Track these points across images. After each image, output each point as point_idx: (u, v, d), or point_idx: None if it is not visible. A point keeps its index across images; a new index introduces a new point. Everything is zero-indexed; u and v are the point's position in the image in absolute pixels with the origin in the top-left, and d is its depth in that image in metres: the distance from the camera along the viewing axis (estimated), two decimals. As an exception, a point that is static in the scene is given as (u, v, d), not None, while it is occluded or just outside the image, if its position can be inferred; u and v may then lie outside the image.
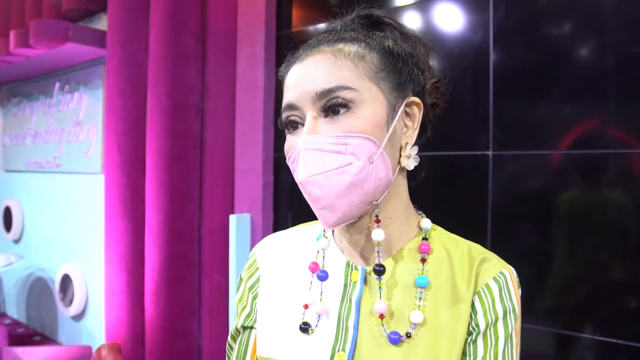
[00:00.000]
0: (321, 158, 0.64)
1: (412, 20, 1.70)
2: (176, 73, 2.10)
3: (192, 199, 2.17)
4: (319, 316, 0.71)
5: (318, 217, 0.66)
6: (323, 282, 0.72)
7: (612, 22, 1.34)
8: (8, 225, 3.52)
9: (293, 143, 0.68)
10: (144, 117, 2.24)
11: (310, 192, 0.65)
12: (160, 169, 2.12)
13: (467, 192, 1.59)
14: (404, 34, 0.73)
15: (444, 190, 1.65)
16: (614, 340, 1.33)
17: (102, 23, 2.65)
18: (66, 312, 2.92)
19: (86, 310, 2.87)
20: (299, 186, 0.66)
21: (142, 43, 2.25)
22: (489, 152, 1.52)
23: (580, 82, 1.38)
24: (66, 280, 2.91)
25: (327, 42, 0.69)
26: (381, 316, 0.67)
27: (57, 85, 3.04)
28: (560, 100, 1.42)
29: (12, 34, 2.57)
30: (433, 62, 0.76)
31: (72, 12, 2.65)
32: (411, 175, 0.75)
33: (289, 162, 0.69)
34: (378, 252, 0.69)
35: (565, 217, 1.42)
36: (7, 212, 3.53)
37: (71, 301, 2.85)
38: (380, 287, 0.69)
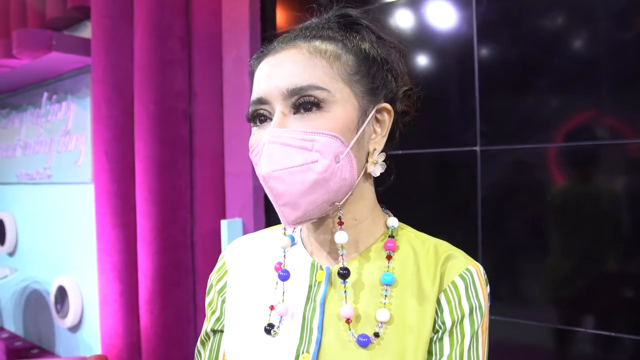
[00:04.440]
0: (286, 153, 0.62)
1: (396, 17, 1.69)
2: (162, 78, 2.09)
3: (183, 204, 2.16)
4: (281, 317, 0.70)
5: (278, 214, 0.65)
6: (285, 282, 0.71)
7: (597, 12, 1.33)
8: (2, 238, 3.50)
9: (259, 137, 0.66)
10: (132, 124, 2.23)
11: (272, 188, 0.63)
12: (150, 176, 2.10)
13: (456, 189, 1.57)
14: (380, 38, 0.72)
15: (433, 187, 1.64)
16: (607, 333, 1.32)
17: (87, 31, 2.63)
18: (62, 324, 2.90)
19: (82, 321, 2.85)
20: (261, 181, 0.64)
21: (127, 50, 2.23)
22: (477, 148, 1.50)
23: (566, 74, 1.37)
24: (61, 292, 2.89)
25: (303, 37, 0.67)
26: (347, 321, 0.66)
27: (45, 95, 3.02)
28: (546, 92, 1.41)
29: (-5, 45, 2.56)
30: (407, 68, 0.74)
31: (56, 21, 2.64)
32: (380, 179, 0.74)
33: (251, 155, 0.67)
34: (342, 256, 0.67)
35: (555, 210, 1.41)
36: (1, 225, 3.51)
37: (67, 313, 2.84)
38: (345, 291, 0.67)
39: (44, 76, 2.94)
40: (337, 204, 0.67)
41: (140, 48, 2.12)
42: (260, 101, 0.66)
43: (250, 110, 0.68)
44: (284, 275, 0.71)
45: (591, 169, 1.37)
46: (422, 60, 1.64)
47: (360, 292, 0.68)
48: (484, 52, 1.49)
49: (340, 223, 0.67)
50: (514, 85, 1.45)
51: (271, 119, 0.65)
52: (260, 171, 0.63)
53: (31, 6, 2.71)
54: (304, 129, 0.63)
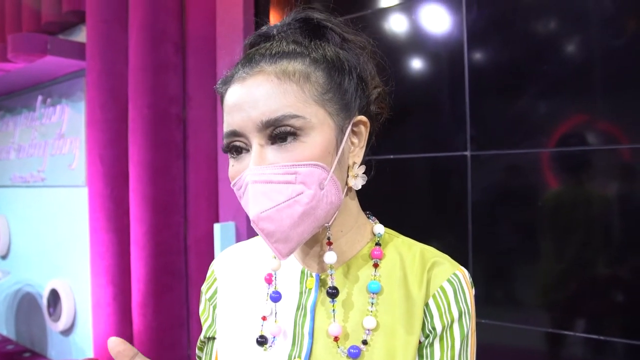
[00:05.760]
0: (271, 190, 0.61)
1: (386, 23, 1.70)
2: (157, 83, 2.09)
3: (177, 209, 2.16)
4: (274, 337, 0.70)
5: (272, 250, 0.64)
6: (277, 303, 0.71)
7: (587, 17, 1.35)
8: (-5, 241, 3.50)
9: (239, 169, 0.65)
10: (126, 128, 2.23)
11: (263, 229, 0.62)
12: (144, 180, 2.10)
13: (446, 194, 1.58)
14: (346, 40, 0.70)
15: (424, 192, 1.65)
16: (598, 337, 1.33)
17: (82, 35, 2.64)
18: (55, 327, 2.89)
19: (75, 324, 2.84)
20: (252, 224, 0.63)
21: (121, 54, 2.24)
22: (467, 153, 1.51)
23: (556, 79, 1.38)
24: (54, 295, 2.88)
25: (269, 58, 0.64)
26: (336, 338, 0.66)
27: (40, 98, 3.02)
28: (536, 98, 1.42)
29: (-10, 48, 2.56)
30: (377, 68, 0.73)
31: (51, 25, 2.64)
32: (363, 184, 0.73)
33: (234, 188, 0.67)
34: (331, 275, 0.68)
35: (546, 215, 1.42)
36: (-6, 228, 3.50)
37: (60, 316, 2.83)
38: (334, 310, 0.68)
39: (39, 80, 2.95)
40: (327, 225, 0.67)
41: (135, 52, 2.13)
42: (235, 134, 0.64)
43: (224, 142, 0.66)
44: (276, 297, 0.71)
45: (581, 174, 1.38)
46: (413, 66, 1.65)
47: (348, 307, 0.69)
48: (474, 57, 1.50)
49: (329, 244, 0.68)
50: (504, 90, 1.47)
51: (247, 150, 0.64)
52: (249, 214, 0.62)
53: (26, 10, 2.72)
54: (284, 161, 0.62)
